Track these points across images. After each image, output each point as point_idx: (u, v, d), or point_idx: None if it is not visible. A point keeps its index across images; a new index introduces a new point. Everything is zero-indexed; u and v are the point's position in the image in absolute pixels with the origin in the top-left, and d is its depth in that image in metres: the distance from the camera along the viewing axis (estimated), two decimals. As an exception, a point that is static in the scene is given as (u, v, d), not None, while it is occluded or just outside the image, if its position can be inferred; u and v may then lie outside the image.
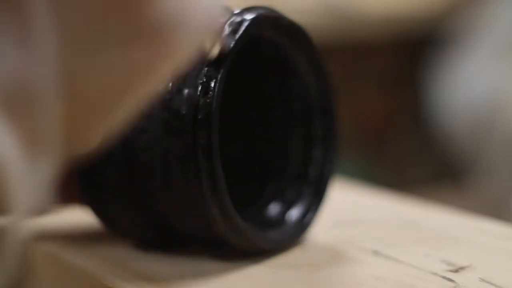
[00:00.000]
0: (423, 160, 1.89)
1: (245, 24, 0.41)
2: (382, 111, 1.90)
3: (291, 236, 0.45)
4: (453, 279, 0.41)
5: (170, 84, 0.40)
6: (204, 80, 0.40)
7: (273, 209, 0.46)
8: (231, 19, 0.41)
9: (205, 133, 0.39)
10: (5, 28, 0.25)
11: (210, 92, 0.40)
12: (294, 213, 0.45)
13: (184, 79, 0.40)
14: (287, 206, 0.46)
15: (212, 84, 0.40)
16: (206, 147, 0.39)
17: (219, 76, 0.40)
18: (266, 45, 0.45)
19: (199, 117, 0.39)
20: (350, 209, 0.53)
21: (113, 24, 0.27)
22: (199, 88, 0.40)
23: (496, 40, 1.60)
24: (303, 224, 0.45)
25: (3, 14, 0.25)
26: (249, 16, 0.42)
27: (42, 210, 0.26)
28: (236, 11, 0.42)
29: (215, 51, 0.40)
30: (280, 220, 0.45)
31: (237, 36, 0.41)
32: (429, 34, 1.83)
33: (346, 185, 0.58)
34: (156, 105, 0.40)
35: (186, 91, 0.40)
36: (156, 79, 0.29)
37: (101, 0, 0.26)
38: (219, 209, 0.40)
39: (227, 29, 0.41)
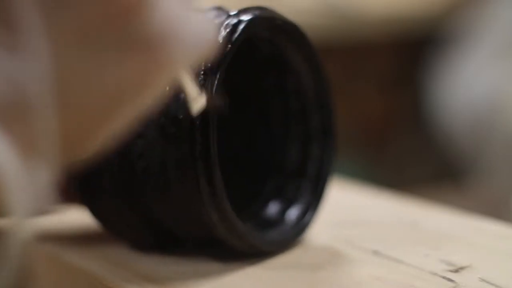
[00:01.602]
0: (423, 160, 1.89)
1: (241, 26, 0.41)
2: (382, 111, 1.90)
3: (291, 236, 0.45)
4: (453, 279, 0.41)
5: (167, 89, 0.40)
6: (201, 84, 0.40)
7: (273, 207, 0.46)
8: (227, 21, 0.41)
9: (202, 138, 0.39)
10: None
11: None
12: (293, 212, 0.45)
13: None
14: (287, 204, 0.46)
15: (209, 89, 0.40)
16: (204, 153, 0.39)
17: (216, 80, 0.40)
18: (263, 44, 0.45)
19: (197, 122, 0.39)
20: (350, 209, 0.53)
21: (107, 34, 0.27)
22: None
23: (496, 40, 1.60)
24: (302, 223, 0.45)
25: None
26: (245, 18, 0.41)
27: (42, 211, 0.27)
28: (232, 12, 0.42)
29: (209, 61, 0.39)
30: (279, 219, 0.45)
31: (233, 39, 0.41)
32: (429, 34, 1.83)
33: (346, 185, 0.58)
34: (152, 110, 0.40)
35: (182, 95, 0.40)
36: (151, 89, 0.29)
37: (95, 11, 0.27)
38: (218, 214, 0.40)
39: (223, 32, 0.41)
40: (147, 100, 0.29)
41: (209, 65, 0.40)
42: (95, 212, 0.44)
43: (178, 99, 0.40)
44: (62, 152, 0.27)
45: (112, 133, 0.29)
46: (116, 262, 0.43)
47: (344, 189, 0.57)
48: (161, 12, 0.28)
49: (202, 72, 0.40)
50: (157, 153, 0.40)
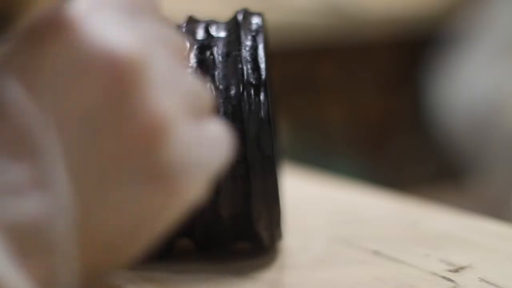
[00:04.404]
0: (423, 160, 1.89)
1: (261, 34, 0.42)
2: (382, 111, 1.90)
3: None
4: (453, 279, 0.41)
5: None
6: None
7: None
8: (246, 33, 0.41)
9: (268, 139, 0.40)
10: (23, 174, 0.26)
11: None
12: None
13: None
14: None
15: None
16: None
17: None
18: None
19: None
20: (350, 209, 0.53)
21: (126, 167, 0.28)
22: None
23: (496, 40, 1.60)
24: None
25: (20, 161, 0.26)
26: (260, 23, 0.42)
27: None
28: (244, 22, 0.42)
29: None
30: None
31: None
32: (429, 34, 1.83)
33: (346, 184, 0.58)
34: None
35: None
36: (168, 218, 0.30)
37: (115, 145, 0.27)
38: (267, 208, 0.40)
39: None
40: (165, 223, 0.30)
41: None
42: None
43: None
44: (80, 282, 0.27)
45: (128, 259, 0.30)
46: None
47: (344, 189, 0.57)
48: (176, 141, 0.28)
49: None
50: None
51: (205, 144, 0.30)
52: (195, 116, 0.30)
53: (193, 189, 0.30)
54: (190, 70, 0.31)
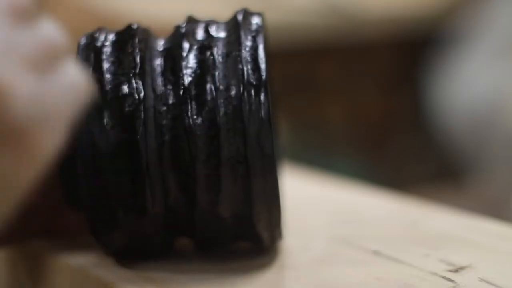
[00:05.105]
0: (423, 160, 1.89)
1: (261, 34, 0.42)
2: (382, 111, 1.90)
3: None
4: (452, 279, 0.41)
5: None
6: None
7: None
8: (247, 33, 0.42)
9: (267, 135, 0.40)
10: None
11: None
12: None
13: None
14: None
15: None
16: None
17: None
18: None
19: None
20: (350, 209, 0.53)
21: None
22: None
23: (496, 40, 1.60)
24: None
25: None
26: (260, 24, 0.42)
27: None
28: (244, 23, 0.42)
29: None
30: None
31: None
32: (429, 34, 1.83)
33: (346, 184, 0.58)
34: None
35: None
36: (25, 178, 0.29)
37: None
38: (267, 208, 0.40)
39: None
40: (24, 185, 0.30)
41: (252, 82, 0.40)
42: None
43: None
44: None
45: (6, 212, 0.29)
46: (115, 262, 0.43)
47: (344, 189, 0.57)
48: (19, 101, 0.28)
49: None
50: (206, 149, 0.40)
51: (56, 94, 0.30)
52: (43, 68, 0.30)
53: (47, 142, 0.29)
54: (41, 19, 0.30)
